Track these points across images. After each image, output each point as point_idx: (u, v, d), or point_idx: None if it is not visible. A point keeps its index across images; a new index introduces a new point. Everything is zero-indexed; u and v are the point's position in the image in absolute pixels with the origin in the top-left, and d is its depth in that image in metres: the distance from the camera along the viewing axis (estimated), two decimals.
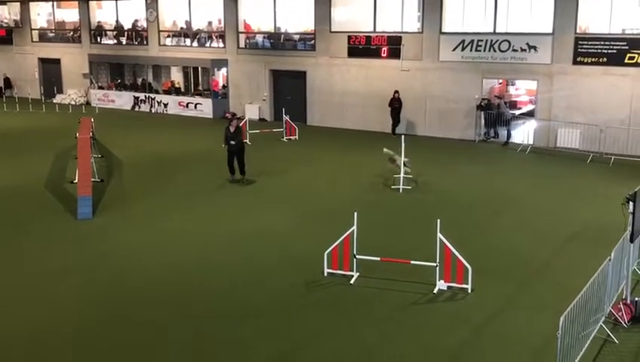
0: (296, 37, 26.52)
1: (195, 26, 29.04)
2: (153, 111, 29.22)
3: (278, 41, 26.76)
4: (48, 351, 8.04)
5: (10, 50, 34.20)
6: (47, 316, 8.98)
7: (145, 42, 30.11)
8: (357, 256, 10.32)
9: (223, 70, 28.39)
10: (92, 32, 31.59)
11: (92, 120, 20.26)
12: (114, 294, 9.71)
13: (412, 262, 10.25)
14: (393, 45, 23.63)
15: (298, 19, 26.29)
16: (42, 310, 9.15)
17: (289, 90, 26.51)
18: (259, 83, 27.03)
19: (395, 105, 23.10)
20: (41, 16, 34.03)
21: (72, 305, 9.35)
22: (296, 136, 22.54)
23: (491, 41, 21.80)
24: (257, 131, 22.31)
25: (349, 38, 24.59)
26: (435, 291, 9.82)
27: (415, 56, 23.31)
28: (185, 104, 28.31)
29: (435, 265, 9.96)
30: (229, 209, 14.15)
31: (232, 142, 16.06)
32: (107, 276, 10.40)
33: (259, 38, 27.51)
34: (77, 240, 12.06)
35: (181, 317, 8.92)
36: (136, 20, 30.39)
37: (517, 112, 23.30)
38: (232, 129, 16.09)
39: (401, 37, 23.52)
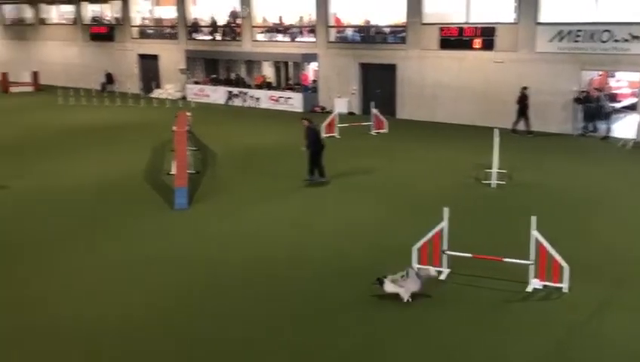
0: (387, 30, 26.41)
1: (286, 22, 29.49)
2: (245, 105, 29.95)
3: (368, 35, 26.75)
4: (138, 335, 8.47)
5: (112, 46, 35.99)
6: (140, 302, 9.45)
7: (238, 38, 30.88)
8: (447, 252, 10.22)
9: (313, 64, 28.68)
10: (188, 28, 32.72)
11: (188, 114, 20.99)
12: (206, 282, 10.10)
13: (505, 259, 10.05)
14: (487, 36, 23.10)
15: (389, 12, 26.17)
16: (137, 296, 9.63)
17: (378, 84, 26.46)
18: (348, 76, 27.14)
19: (525, 101, 21.58)
20: (140, 13, 35.55)
21: (166, 291, 9.78)
22: (385, 130, 22.49)
23: (591, 31, 20.89)
24: (346, 125, 22.42)
25: (441, 29, 24.24)
26: (528, 290, 9.60)
27: (510, 48, 22.69)
28: (276, 98, 28.84)
29: (529, 263, 9.73)
30: (318, 201, 14.34)
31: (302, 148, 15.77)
32: (200, 264, 10.82)
33: (349, 32, 27.60)
34: (173, 229, 12.60)
35: (267, 310, 9.15)
36: (230, 16, 31.20)
37: (617, 105, 22.26)
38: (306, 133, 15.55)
39: (494, 28, 22.95)
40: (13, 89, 36.42)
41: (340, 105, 26.81)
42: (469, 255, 10.20)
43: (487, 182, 15.53)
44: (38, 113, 28.26)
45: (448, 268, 10.26)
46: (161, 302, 9.38)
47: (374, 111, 22.53)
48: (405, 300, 9.11)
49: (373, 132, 22.33)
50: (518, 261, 9.91)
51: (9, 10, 42.89)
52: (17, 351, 8.07)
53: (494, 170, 15.47)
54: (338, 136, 21.65)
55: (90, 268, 10.69)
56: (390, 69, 25.83)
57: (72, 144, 21.20)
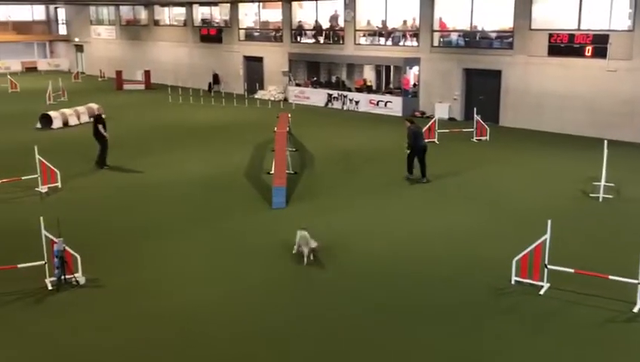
0: (493, 35, 25.85)
1: (390, 25, 29.48)
2: (345, 108, 30.18)
3: (473, 39, 26.28)
4: (237, 317, 8.79)
5: (220, 48, 37.27)
6: (239, 291, 9.78)
7: (341, 41, 31.16)
8: (548, 266, 9.91)
9: (415, 68, 28.50)
10: (293, 31, 33.37)
11: (289, 115, 21.43)
12: (303, 278, 10.29)
13: (610, 277, 9.62)
14: (599, 44, 22.12)
15: (496, 17, 25.60)
16: (237, 285, 9.99)
17: (482, 90, 25.94)
18: (451, 81, 26.78)
19: None
20: (247, 16, 36.56)
21: (261, 284, 10.07)
22: (487, 137, 22.03)
23: None
24: (446, 130, 22.14)
25: (550, 35, 23.45)
26: (635, 310, 9.14)
27: (624, 56, 21.61)
28: (375, 102, 28.87)
29: (637, 282, 9.26)
30: (415, 206, 14.28)
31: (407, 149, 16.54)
32: (296, 260, 11.03)
33: (453, 37, 27.22)
34: (271, 227, 12.93)
35: (363, 311, 9.22)
36: (330, 20, 31.54)
37: None
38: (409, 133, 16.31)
39: (608, 35, 21.93)
40: (127, 87, 38.47)
41: (441, 111, 26.49)
42: (571, 270, 9.83)
43: (594, 195, 14.89)
44: (149, 110, 29.72)
45: (548, 282, 9.94)
46: (253, 293, 9.69)
47: (477, 117, 22.11)
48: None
49: (475, 139, 21.92)
50: (625, 279, 9.45)
51: (125, 12, 45.36)
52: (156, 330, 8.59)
53: (602, 183, 14.81)
54: (437, 142, 21.43)
55: (195, 256, 11.18)
56: (495, 75, 25.25)
57: (180, 141, 22.14)
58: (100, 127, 18.01)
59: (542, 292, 9.78)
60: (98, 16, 47.74)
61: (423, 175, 16.41)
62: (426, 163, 16.45)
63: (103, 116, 18.94)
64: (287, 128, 18.99)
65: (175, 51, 40.43)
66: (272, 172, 16.26)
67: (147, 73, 39.21)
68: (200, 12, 39.36)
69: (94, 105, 27.29)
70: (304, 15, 33.65)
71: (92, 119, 18.73)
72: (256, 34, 36.08)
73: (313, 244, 10.94)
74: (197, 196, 15.25)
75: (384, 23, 29.50)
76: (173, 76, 39.63)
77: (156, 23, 42.44)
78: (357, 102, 29.66)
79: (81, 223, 13.22)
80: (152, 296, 9.74)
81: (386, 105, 28.39)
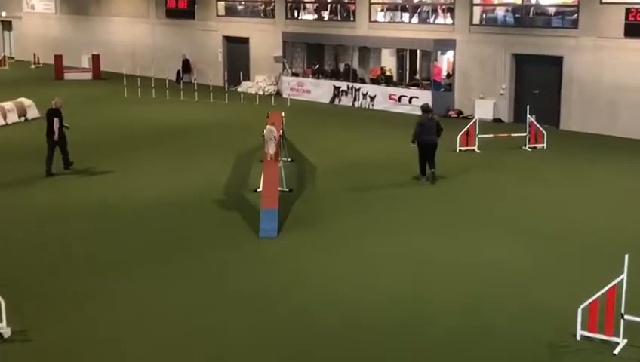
0: (552, 10, 25.97)
1: None
2: (357, 105, 30.28)
3: (525, 16, 26.43)
4: None
5: (192, 25, 37.52)
6: (218, 349, 9.74)
7: (352, 17, 31.35)
8: (625, 317, 9.88)
9: (449, 54, 28.62)
10: (288, 4, 33.58)
11: (283, 115, 21.50)
12: (297, 334, 10.26)
13: None
14: None
15: None
16: (211, 345, 9.94)
17: (537, 82, 26.02)
18: (495, 71, 26.89)
19: None
20: None
21: (245, 341, 10.03)
22: (544, 144, 22.08)
23: None
24: (490, 135, 22.19)
25: (628, 11, 23.55)
26: None
27: None
28: (397, 97, 28.98)
29: None
30: (445, 234, 14.25)
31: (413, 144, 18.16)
32: (289, 310, 10.99)
33: (499, 12, 27.38)
34: (257, 263, 12.88)
35: None
36: None
37: None
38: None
39: None
40: (68, 76, 38.73)
41: (483, 110, 26.56)
42: None
43: None
44: (97, 108, 29.82)
45: (625, 338, 9.90)
46: (238, 349, 9.65)
47: (530, 118, 22.17)
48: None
49: (527, 147, 21.97)
50: None
51: None
52: None
53: None
54: (478, 151, 21.44)
55: (154, 306, 11.14)
56: (554, 63, 25.34)
57: (138, 149, 22.19)
58: (56, 121, 18.72)
59: (617, 351, 9.75)
60: None
61: (422, 173, 18.19)
62: (434, 161, 18.04)
63: (60, 109, 19.23)
64: (280, 131, 19.02)
65: (133, 30, 40.75)
66: (260, 189, 16.26)
67: (96, 58, 39.48)
68: None
69: (26, 101, 27.42)
70: None
71: (46, 113, 19.43)
72: (240, 7, 36.38)
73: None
74: (161, 222, 15.23)
75: None
76: (131, 62, 39.78)
77: None
78: (372, 98, 29.79)
79: (7, 255, 13.20)
80: (98, 358, 9.70)
81: (410, 101, 28.51)
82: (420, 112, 18.68)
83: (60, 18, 45.79)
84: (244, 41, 35.31)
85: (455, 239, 14.14)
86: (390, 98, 29.23)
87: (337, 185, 17.99)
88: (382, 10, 30.89)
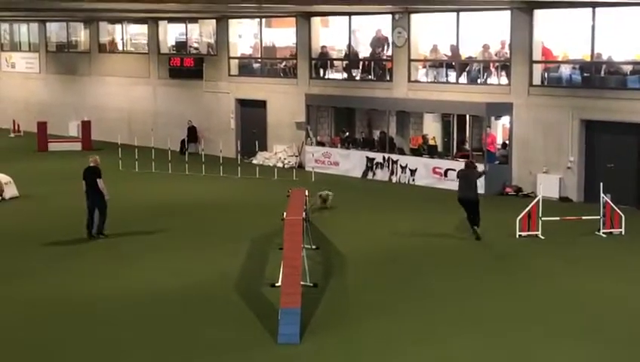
0: (627, 68, 26.00)
1: (464, 52, 29.88)
2: (394, 180, 30.27)
3: (595, 75, 26.47)
4: None
5: (199, 87, 37.98)
6: None
7: (388, 77, 31.62)
8: None
9: (505, 120, 28.65)
10: (313, 61, 33.99)
11: (306, 193, 21.51)
12: None
13: None
14: None
15: (630, 40, 25.84)
16: None
17: (612, 154, 25.90)
18: (561, 140, 26.84)
19: None
20: (243, 38, 37.49)
21: None
22: (622, 229, 21.84)
23: None
24: (556, 218, 22.00)
25: None
26: None
27: None
28: (442, 171, 28.91)
29: None
30: (509, 340, 14.08)
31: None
32: None
33: (564, 70, 27.45)
34: None
35: None
36: (377, 44, 32.12)
37: None
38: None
39: None
40: (54, 146, 39.19)
41: (547, 186, 26.37)
42: None
43: None
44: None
45: None
46: None
47: (605, 197, 22.02)
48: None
49: (602, 232, 21.74)
50: None
51: (55, 31, 46.70)
52: None
53: None
54: (542, 237, 21.24)
55: None
56: (632, 131, 25.24)
57: (137, 233, 22.21)
58: (100, 182, 21.25)
59: None
60: (12, 37, 49.10)
61: (473, 224, 21.05)
62: (478, 215, 20.98)
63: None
64: (304, 213, 19.01)
65: (130, 92, 41.39)
66: (279, 284, 16.18)
67: (86, 126, 40.00)
68: (171, 32, 40.42)
69: (3, 177, 27.45)
70: (331, 37, 34.37)
71: (87, 172, 21.60)
72: (256, 65, 36.81)
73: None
74: (161, 322, 15.15)
75: (455, 48, 29.94)
76: (127, 130, 40.22)
77: (102, 48, 43.63)
78: (413, 172, 29.78)
79: None
80: None
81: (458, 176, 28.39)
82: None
83: (44, 78, 46.63)
84: (261, 104, 35.67)
85: (503, 337, 13.96)
86: (434, 172, 29.20)
87: (371, 279, 17.87)
88: (423, 68, 31.14)
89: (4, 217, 24.44)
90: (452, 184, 28.14)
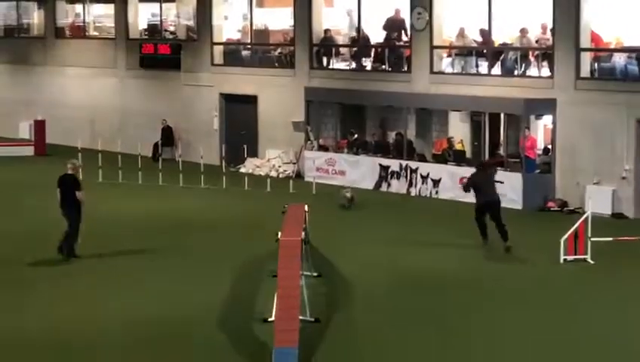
0: None
1: (497, 38, 29.90)
2: (413, 192, 30.29)
3: None
4: None
5: (176, 79, 38.09)
6: None
7: (405, 67, 31.68)
8: None
9: (546, 119, 28.68)
10: (314, 48, 34.05)
11: (305, 208, 21.52)
12: None
13: None
14: None
15: None
16: None
17: None
18: (614, 145, 26.87)
19: None
20: (229, 21, 37.57)
21: None
22: None
23: None
24: (608, 239, 22.04)
25: None
26: None
27: None
28: None
29: None
30: None
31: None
32: None
33: (618, 60, 27.46)
34: None
35: None
36: (393, 27, 32.16)
37: None
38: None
39: None
40: (0, 151, 39.08)
41: (598, 200, 26.37)
42: None
43: None
44: (40, 198, 29.77)
45: None
46: None
47: None
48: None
49: None
50: None
51: (3, 12, 46.68)
52: None
53: None
54: (591, 261, 21.22)
55: None
56: None
57: (97, 257, 22.18)
58: (80, 194, 21.69)
59: None
60: None
61: (503, 238, 22.18)
62: (502, 221, 22.16)
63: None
64: (303, 233, 19.03)
65: (93, 85, 41.48)
66: (273, 318, 16.20)
67: (40, 126, 40.09)
68: (143, 13, 40.51)
69: None
70: (335, 19, 34.49)
71: (64, 181, 22.02)
72: (246, 53, 36.87)
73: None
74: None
75: (486, 33, 29.98)
76: (89, 132, 40.29)
77: (59, 33, 43.74)
78: (436, 182, 29.77)
79: None
80: None
81: None
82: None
83: None
84: (251, 100, 35.78)
85: None
86: (462, 182, 29.12)
87: (384, 313, 17.87)
88: (449, 57, 31.22)
89: None
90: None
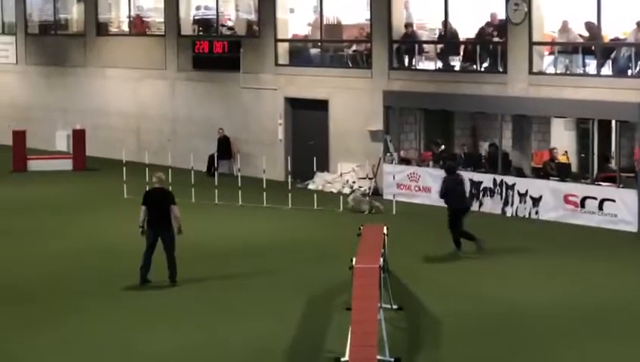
0: None
1: (607, 33, 29.67)
2: (509, 212, 30.19)
3: None
4: None
5: (235, 81, 38.29)
6: None
7: (499, 66, 31.55)
8: None
9: None
10: (394, 45, 34.03)
11: (385, 229, 21.47)
12: None
13: None
14: None
15: None
16: None
17: None
18: None
19: None
20: (296, 14, 37.69)
21: None
22: None
23: None
24: None
25: None
26: None
27: None
28: (578, 200, 28.71)
29: None
30: None
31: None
32: None
33: None
34: None
35: None
36: (488, 22, 32.16)
37: None
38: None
39: None
40: (35, 165, 39.69)
41: None
42: None
43: None
44: (79, 220, 30.26)
45: None
46: None
47: None
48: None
49: None
50: None
51: (39, 6, 47.29)
52: None
53: None
54: None
55: None
56: None
57: (154, 285, 22.49)
58: (175, 209, 22.28)
59: None
60: None
61: (456, 243, 25.04)
62: (463, 228, 24.89)
63: None
64: (381, 259, 18.97)
65: (140, 89, 41.94)
66: (346, 359, 16.16)
67: (79, 136, 40.50)
68: (194, 6, 40.85)
69: None
70: (419, 10, 34.45)
71: (155, 195, 22.48)
72: (315, 51, 36.95)
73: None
74: None
75: (595, 26, 29.74)
76: (135, 143, 40.66)
77: (102, 29, 44.17)
78: (536, 201, 29.58)
79: None
80: None
81: (601, 206, 28.24)
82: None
83: (24, 72, 47.29)
84: (321, 106, 35.86)
85: None
86: (567, 201, 29.01)
87: (475, 354, 17.80)
88: (550, 54, 31.01)
89: None
90: (593, 219, 28.12)
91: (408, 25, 33.92)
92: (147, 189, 22.48)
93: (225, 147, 37.87)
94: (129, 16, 43.13)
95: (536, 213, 29.60)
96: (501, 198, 30.43)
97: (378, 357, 15.95)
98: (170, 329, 19.45)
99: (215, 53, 38.75)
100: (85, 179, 37.42)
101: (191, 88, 40.00)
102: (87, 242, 26.89)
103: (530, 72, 30.65)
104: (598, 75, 29.60)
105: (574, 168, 30.26)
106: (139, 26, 43.02)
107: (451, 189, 25.38)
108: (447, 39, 33.11)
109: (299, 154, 35.94)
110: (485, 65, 32.27)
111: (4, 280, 23.01)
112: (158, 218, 22.02)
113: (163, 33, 41.18)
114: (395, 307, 20.01)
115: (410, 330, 19.05)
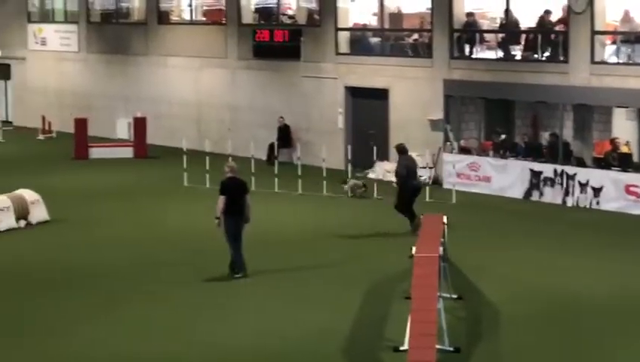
0: None
1: None
2: (570, 202, 30.06)
3: None
4: None
5: (295, 70, 38.42)
6: None
7: (561, 56, 31.40)
8: None
9: None
10: (455, 34, 33.98)
11: (444, 219, 21.47)
12: None
13: None
14: None
15: None
16: None
17: None
18: None
19: None
20: (357, 2, 37.69)
21: None
22: None
23: None
24: None
25: None
26: None
27: None
28: None
29: None
30: None
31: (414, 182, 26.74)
32: None
33: None
34: None
35: None
36: (547, 11, 31.93)
37: None
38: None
39: None
40: (97, 152, 40.09)
41: None
42: None
43: None
44: (141, 207, 30.44)
45: None
46: None
47: None
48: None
49: None
50: None
51: None
52: None
53: None
54: None
55: None
56: None
57: (214, 276, 22.65)
58: (249, 198, 22.73)
59: None
60: (43, 4, 50.08)
61: (410, 218, 25.67)
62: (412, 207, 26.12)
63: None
64: (440, 249, 18.98)
65: (201, 78, 42.15)
66: (406, 347, 16.20)
67: (140, 124, 40.81)
68: None
69: (28, 195, 27.96)
70: (479, 1, 34.32)
71: (231, 185, 22.62)
72: (375, 40, 36.94)
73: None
74: None
75: None
76: (195, 131, 40.89)
77: (163, 17, 44.43)
78: (597, 191, 29.42)
79: None
80: None
81: None
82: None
83: (85, 60, 47.64)
84: (381, 95, 35.87)
85: None
86: (628, 192, 28.85)
87: (535, 343, 17.76)
88: (613, 44, 30.82)
89: (28, 250, 25.04)
90: None
91: (469, 14, 33.84)
92: (222, 179, 22.34)
93: (285, 135, 38.02)
94: (190, 5, 43.33)
95: (597, 203, 29.43)
96: (562, 188, 30.27)
97: (437, 346, 15.95)
98: (230, 316, 19.59)
99: (276, 41, 38.87)
100: (146, 167, 37.63)
101: (251, 77, 40.11)
102: (148, 229, 27.07)
103: (593, 62, 30.47)
104: None
105: (636, 158, 30.00)
106: (215, 14, 43.07)
107: (411, 169, 26.89)
108: (509, 28, 32.99)
109: (359, 143, 35.90)
110: (547, 54, 32.11)
111: (69, 264, 23.32)
112: (236, 207, 22.20)
113: (224, 22, 41.29)
114: (454, 296, 20.03)
115: (470, 320, 19.05)
